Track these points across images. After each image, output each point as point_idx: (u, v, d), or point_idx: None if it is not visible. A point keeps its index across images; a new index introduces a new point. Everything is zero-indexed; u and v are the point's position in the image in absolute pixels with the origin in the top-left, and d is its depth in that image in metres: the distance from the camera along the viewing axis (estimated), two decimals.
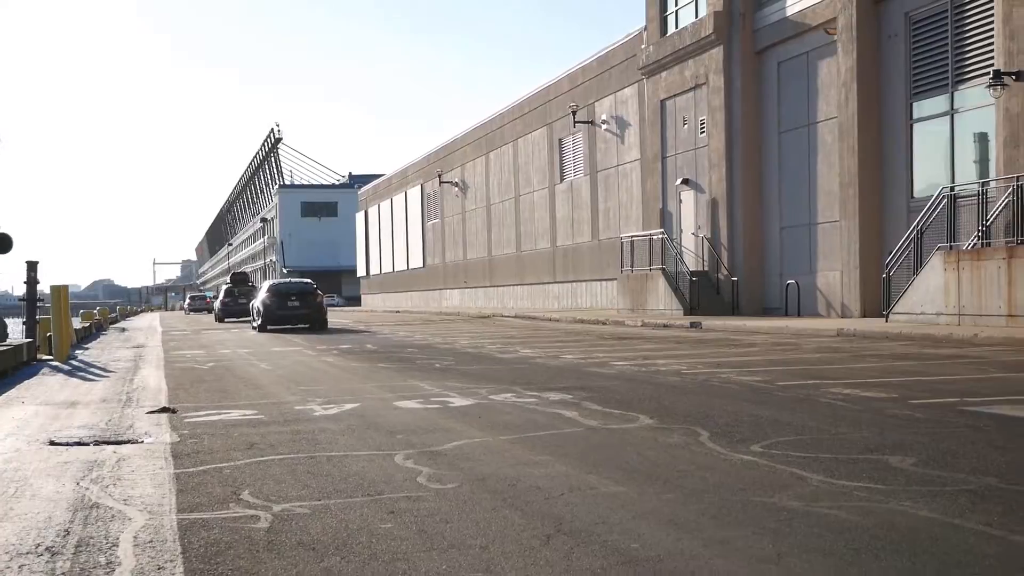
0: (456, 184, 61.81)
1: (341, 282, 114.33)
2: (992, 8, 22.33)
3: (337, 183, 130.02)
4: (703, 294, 31.57)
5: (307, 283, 37.64)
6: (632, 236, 36.38)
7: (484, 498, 5.59)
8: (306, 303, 35.10)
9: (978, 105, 23.02)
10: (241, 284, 54.47)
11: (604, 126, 41.99)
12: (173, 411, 10.16)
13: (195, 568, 4.31)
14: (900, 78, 25.40)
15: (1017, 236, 20.05)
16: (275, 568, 4.28)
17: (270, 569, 4.27)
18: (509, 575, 4.11)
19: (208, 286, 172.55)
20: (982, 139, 23.16)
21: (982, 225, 21.03)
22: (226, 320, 49.69)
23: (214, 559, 4.45)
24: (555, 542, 4.60)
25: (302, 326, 35.09)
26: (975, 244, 20.82)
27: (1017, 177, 20.52)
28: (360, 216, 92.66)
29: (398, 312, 63.33)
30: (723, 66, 31.67)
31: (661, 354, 17.01)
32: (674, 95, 35.16)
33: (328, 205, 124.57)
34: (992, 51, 22.33)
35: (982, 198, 21.60)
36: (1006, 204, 20.57)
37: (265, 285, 38.53)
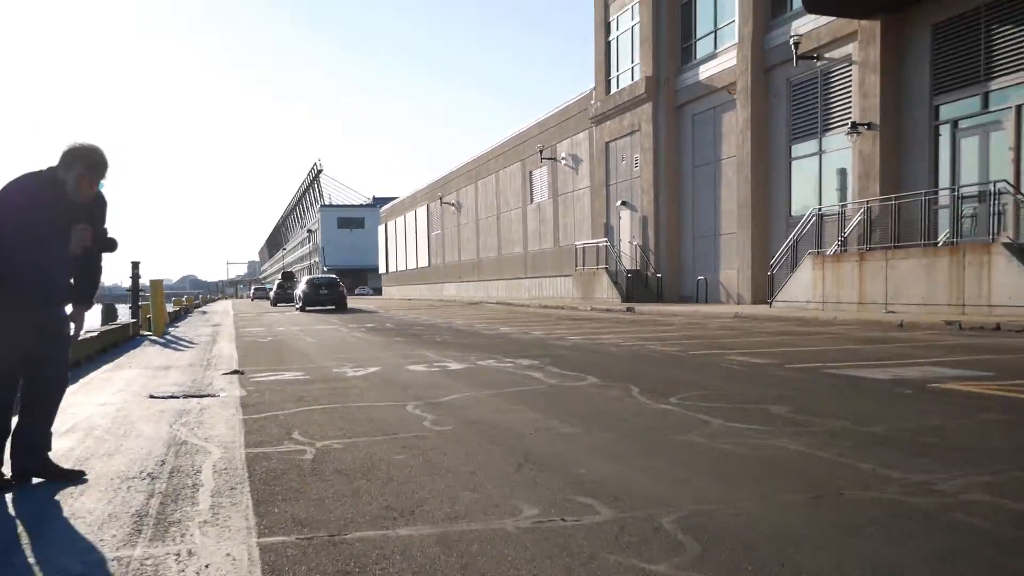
0: (453, 204, 61.59)
1: (367, 277, 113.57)
2: (850, 75, 22.48)
3: (364, 203, 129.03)
4: (636, 286, 31.67)
5: (333, 278, 39.71)
6: (583, 244, 36.44)
7: (472, 437, 5.63)
8: (332, 292, 37.30)
9: (839, 148, 23.16)
10: (288, 280, 57.34)
11: (563, 162, 41.97)
12: (242, 373, 10.14)
13: (258, 488, 4.35)
14: (782, 127, 25.53)
15: (867, 244, 20.25)
16: (317, 488, 4.32)
17: (314, 489, 4.31)
18: (490, 492, 4.16)
19: (268, 280, 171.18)
20: (842, 173, 23.31)
21: (841, 236, 21.20)
22: (278, 304, 50.86)
23: (273, 482, 4.49)
24: (524, 469, 4.66)
25: (330, 308, 36.83)
26: (836, 250, 20.98)
27: (867, 201, 20.70)
28: (381, 228, 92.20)
29: (409, 300, 63.16)
30: (652, 117, 31.70)
31: (604, 331, 17.08)
32: (616, 138, 35.19)
33: (357, 220, 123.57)
34: (850, 107, 22.49)
35: (841, 217, 21.79)
36: (859, 221, 20.75)
37: (304, 279, 41.87)
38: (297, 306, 38.69)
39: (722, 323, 18.92)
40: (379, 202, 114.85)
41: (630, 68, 34.15)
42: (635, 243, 33.46)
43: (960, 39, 19.47)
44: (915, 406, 6.54)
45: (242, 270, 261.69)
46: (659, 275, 31.53)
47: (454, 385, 8.47)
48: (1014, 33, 18.12)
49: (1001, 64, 18.48)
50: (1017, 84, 18.09)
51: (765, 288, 24.40)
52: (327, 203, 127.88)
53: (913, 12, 20.57)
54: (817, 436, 5.37)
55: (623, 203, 34.57)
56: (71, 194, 4.52)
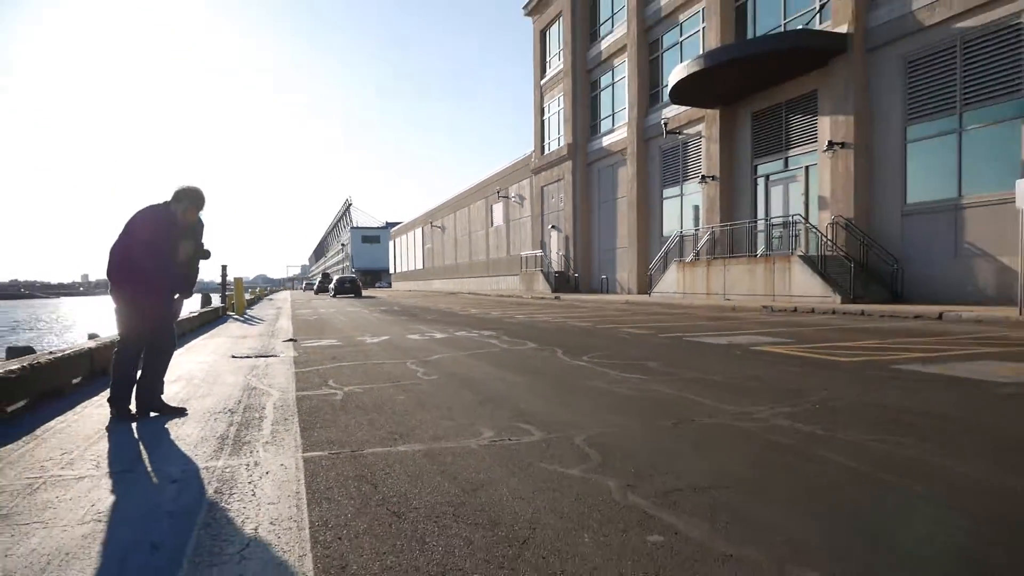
0: (440, 227, 61.14)
1: (381, 276, 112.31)
2: (700, 144, 22.80)
3: (379, 226, 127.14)
4: (561, 282, 31.73)
5: (354, 277, 41.79)
6: (527, 254, 36.44)
7: (451, 384, 5.59)
8: (352, 285, 40.15)
9: (694, 192, 23.47)
10: (325, 278, 58.05)
11: (513, 199, 41.85)
12: (295, 340, 9.96)
13: (304, 419, 4.26)
14: (657, 178, 25.77)
15: (712, 255, 20.56)
16: (345, 419, 4.25)
17: (342, 419, 4.24)
18: (461, 421, 4.13)
19: (313, 277, 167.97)
20: (696, 208, 23.62)
21: (695, 250, 21.50)
22: (319, 294, 51.52)
23: (314, 414, 4.40)
24: (485, 405, 4.63)
25: (351, 295, 38.99)
26: (692, 259, 21.25)
27: (712, 227, 21.03)
28: (391, 243, 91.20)
29: (409, 291, 62.55)
30: (572, 170, 31.78)
31: (540, 312, 17.12)
32: (548, 184, 35.21)
33: (375, 237, 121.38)
34: (700, 165, 22.81)
35: (695, 237, 22.10)
36: (706, 240, 21.07)
37: (335, 278, 44.16)
38: (331, 295, 40.95)
39: (617, 307, 19.10)
40: (390, 225, 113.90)
41: (557, 137, 34.22)
42: (561, 254, 33.57)
43: (769, 122, 19.88)
44: (743, 362, 6.66)
45: (297, 270, 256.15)
46: (576, 275, 31.67)
47: (439, 348, 8.41)
48: (802, 121, 18.57)
49: (796, 139, 18.92)
50: (806, 152, 18.55)
51: (646, 283, 24.69)
52: (355, 226, 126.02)
53: (740, 104, 20.95)
54: (679, 382, 5.43)
55: (553, 227, 34.64)
56: (180, 220, 4.48)
